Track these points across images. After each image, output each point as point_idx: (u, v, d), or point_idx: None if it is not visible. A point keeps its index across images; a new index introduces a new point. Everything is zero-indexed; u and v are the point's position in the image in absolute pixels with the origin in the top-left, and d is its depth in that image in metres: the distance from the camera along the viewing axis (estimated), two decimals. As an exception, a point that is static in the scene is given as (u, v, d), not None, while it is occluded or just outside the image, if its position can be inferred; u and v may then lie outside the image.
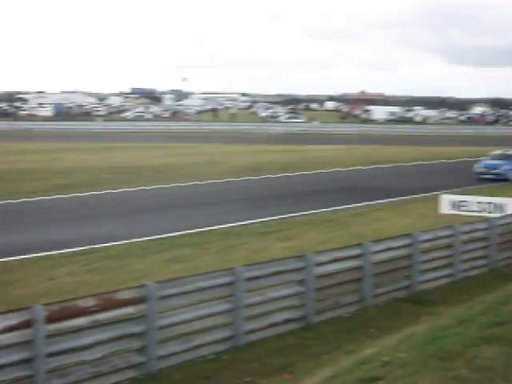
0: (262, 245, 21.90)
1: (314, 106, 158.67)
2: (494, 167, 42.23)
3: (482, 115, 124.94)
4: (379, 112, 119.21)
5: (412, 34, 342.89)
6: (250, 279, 13.66)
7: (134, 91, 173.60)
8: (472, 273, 19.20)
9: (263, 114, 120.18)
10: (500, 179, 40.95)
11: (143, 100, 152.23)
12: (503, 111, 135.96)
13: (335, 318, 15.20)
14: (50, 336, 10.69)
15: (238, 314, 13.37)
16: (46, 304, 10.91)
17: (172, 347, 12.48)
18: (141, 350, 11.99)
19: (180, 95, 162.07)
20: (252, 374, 11.97)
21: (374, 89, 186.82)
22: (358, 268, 15.97)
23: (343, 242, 19.12)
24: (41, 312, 10.55)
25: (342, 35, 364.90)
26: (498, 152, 44.52)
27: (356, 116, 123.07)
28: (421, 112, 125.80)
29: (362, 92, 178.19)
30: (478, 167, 42.97)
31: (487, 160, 43.81)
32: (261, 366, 12.45)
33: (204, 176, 40.04)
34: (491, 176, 41.49)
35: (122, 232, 23.69)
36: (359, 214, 28.24)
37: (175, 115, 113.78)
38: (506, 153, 44.20)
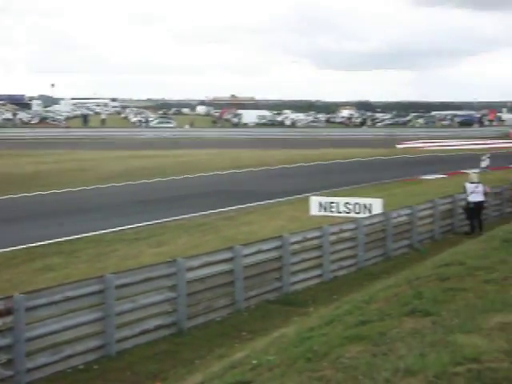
0: (133, 251, 21.73)
1: (186, 110, 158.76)
2: None
3: (350, 118, 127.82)
4: (249, 116, 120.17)
5: (281, 39, 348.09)
6: (120, 286, 13.54)
7: (1, 97, 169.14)
8: (341, 273, 19.61)
9: (134, 119, 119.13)
10: None
11: (10, 106, 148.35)
12: (369, 114, 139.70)
13: (207, 322, 15.24)
14: None
15: (109, 322, 13.22)
16: None
17: (41, 359, 12.23)
18: (8, 364, 11.69)
19: (49, 101, 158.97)
20: (123, 383, 11.86)
21: (244, 93, 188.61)
22: (229, 271, 16.06)
23: (215, 246, 19.20)
24: None
25: (213, 40, 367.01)
26: None
27: (227, 120, 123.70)
28: (290, 115, 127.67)
29: (233, 96, 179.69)
30: None
31: None
32: (132, 374, 12.35)
33: (72, 183, 39.33)
34: None
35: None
36: (231, 217, 28.38)
37: (43, 121, 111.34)
38: None
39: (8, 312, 11.64)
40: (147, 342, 13.91)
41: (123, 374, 12.30)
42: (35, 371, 12.06)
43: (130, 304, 13.89)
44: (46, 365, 12.27)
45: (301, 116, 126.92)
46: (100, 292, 13.22)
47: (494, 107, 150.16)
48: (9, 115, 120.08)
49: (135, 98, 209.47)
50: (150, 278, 14.25)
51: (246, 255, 16.40)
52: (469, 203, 24.95)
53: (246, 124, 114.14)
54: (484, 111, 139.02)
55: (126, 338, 13.65)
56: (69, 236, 24.02)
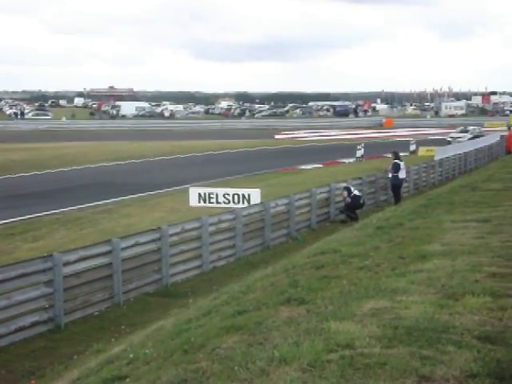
0: (7, 247, 21.21)
1: (63, 102, 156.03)
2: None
3: (229, 109, 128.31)
4: (128, 107, 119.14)
5: (159, 30, 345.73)
6: (-7, 283, 13.17)
7: None
8: (220, 263, 19.67)
9: (9, 112, 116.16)
10: None
11: None
12: (247, 105, 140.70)
13: (86, 317, 15.03)
14: None
15: (-20, 320, 12.85)
16: None
17: None
18: None
19: None
20: (-1, 382, 11.58)
21: (122, 85, 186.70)
22: (107, 265, 15.87)
23: (93, 240, 18.94)
24: None
25: (90, 31, 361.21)
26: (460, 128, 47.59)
27: (105, 112, 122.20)
28: (169, 107, 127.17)
29: (111, 88, 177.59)
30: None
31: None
32: (8, 372, 12.06)
33: None
34: None
35: None
36: (109, 210, 28.07)
37: None
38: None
39: None
40: (23, 339, 13.58)
41: (-2, 373, 12.01)
42: None
43: (4, 301, 13.52)
44: None
45: (180, 107, 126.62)
46: (-28, 289, 12.85)
47: (369, 98, 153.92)
48: None
49: (10, 89, 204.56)
50: (26, 273, 13.92)
51: (124, 248, 16.22)
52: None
53: (124, 116, 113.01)
54: (359, 102, 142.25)
55: (1, 336, 13.30)
56: None
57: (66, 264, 14.70)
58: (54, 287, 14.32)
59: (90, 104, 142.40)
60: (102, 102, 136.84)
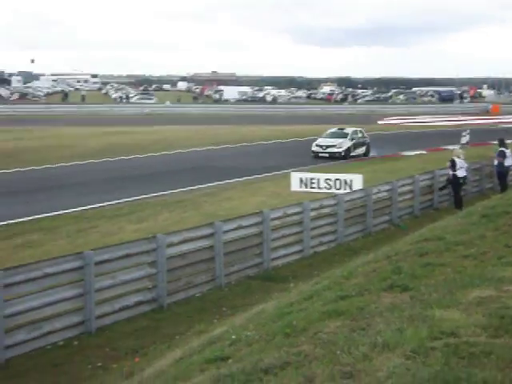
0: (113, 228, 21.65)
1: (167, 86, 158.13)
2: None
3: (331, 94, 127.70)
4: (231, 92, 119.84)
5: (260, 16, 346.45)
6: (100, 263, 13.49)
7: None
8: (321, 248, 19.65)
9: (115, 95, 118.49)
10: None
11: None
12: (350, 90, 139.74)
13: (188, 298, 15.26)
14: None
15: (88, 298, 13.19)
16: None
17: (20, 336, 12.20)
18: (-13, 341, 11.65)
19: (29, 77, 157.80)
20: (103, 359, 11.87)
21: (225, 69, 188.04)
22: (210, 247, 16.06)
23: (195, 222, 19.20)
24: None
25: (195, 16, 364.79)
26: (333, 130, 44.98)
27: (208, 96, 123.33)
28: (271, 91, 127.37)
29: (214, 72, 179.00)
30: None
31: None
32: (112, 350, 12.35)
33: (51, 160, 39.02)
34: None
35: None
36: (212, 193, 28.32)
37: (23, 97, 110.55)
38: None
39: (-14, 289, 11.58)
40: (127, 318, 13.91)
41: (103, 350, 12.30)
42: (14, 348, 12.04)
43: (109, 280, 13.86)
44: (24, 341, 12.23)
45: (282, 92, 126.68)
46: (79, 268, 13.18)
47: (475, 84, 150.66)
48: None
49: (116, 73, 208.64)
50: (130, 254, 14.22)
51: (227, 231, 16.39)
52: (459, 178, 25.31)
53: (227, 100, 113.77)
54: (465, 87, 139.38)
55: (105, 315, 13.64)
56: (48, 212, 23.90)
57: (170, 245, 14.96)
58: (158, 268, 14.59)
59: (193, 88, 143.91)
60: (205, 86, 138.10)
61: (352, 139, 43.34)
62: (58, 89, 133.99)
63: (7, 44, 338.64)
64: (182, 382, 6.77)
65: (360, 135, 44.64)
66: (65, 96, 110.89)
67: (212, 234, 16.05)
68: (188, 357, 8.22)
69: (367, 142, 44.79)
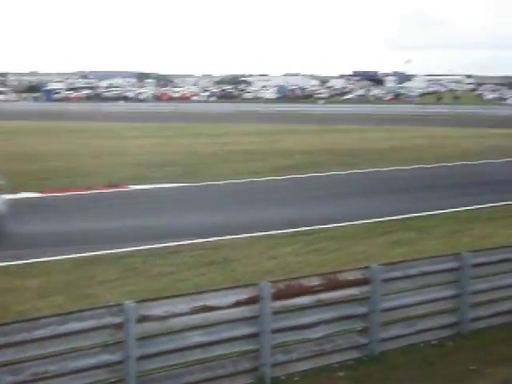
0: (487, 231, 21.23)
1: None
2: None
3: None
4: None
5: None
6: (476, 265, 13.29)
7: (356, 74, 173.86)
8: None
9: (489, 97, 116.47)
10: None
11: (365, 82, 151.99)
12: None
13: None
14: (275, 313, 10.93)
15: (463, 300, 13.06)
16: (273, 281, 11.13)
17: (394, 330, 12.41)
18: (363, 332, 12.01)
19: (402, 77, 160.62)
20: (477, 363, 11.69)
21: None
22: None
23: None
24: (268, 289, 10.79)
25: None
26: None
27: None
28: None
29: None
30: None
31: None
32: (486, 354, 12.11)
33: (428, 159, 39.24)
34: None
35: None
36: None
37: (397, 98, 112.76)
38: None
39: (365, 281, 11.93)
40: (501, 323, 13.56)
41: (477, 354, 12.12)
42: (388, 342, 12.26)
43: (485, 284, 13.61)
44: (398, 336, 12.43)
45: None
46: (455, 269, 13.09)
47: None
48: (362, 91, 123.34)
49: (491, 74, 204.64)
50: (508, 259, 13.86)
51: None
52: None
53: None
54: None
55: (480, 318, 13.41)
56: (421, 212, 24.07)
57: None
58: (538, 275, 14.03)
59: None
60: None
61: None
62: (432, 89, 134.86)
63: (380, 45, 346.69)
64: None
65: None
66: (438, 97, 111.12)
67: None
68: None
69: None
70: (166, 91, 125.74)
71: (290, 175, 33.29)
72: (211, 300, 10.43)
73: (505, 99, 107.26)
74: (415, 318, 12.63)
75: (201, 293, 10.64)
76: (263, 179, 32.00)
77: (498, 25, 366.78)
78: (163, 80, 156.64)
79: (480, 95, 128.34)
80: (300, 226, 21.32)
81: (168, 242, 19.16)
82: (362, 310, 11.96)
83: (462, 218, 23.35)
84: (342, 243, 19.70)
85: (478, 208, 25.02)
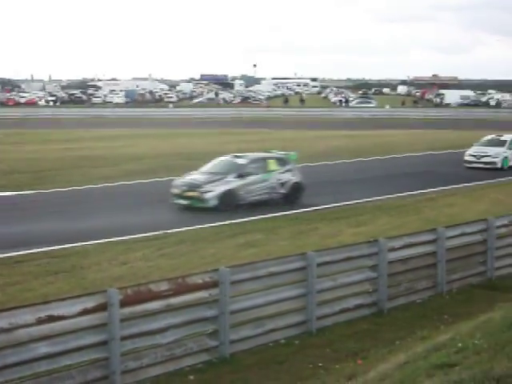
0: (333, 230, 21.82)
1: (387, 90, 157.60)
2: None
3: None
4: (452, 96, 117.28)
5: (486, 17, 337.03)
6: (321, 264, 13.62)
7: (204, 77, 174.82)
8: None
9: (334, 99, 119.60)
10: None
11: (213, 86, 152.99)
12: None
13: (408, 303, 15.12)
14: (124, 319, 10.84)
15: (310, 299, 13.35)
16: (121, 288, 11.04)
17: (244, 331, 12.56)
18: (213, 334, 12.08)
19: (251, 81, 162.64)
20: (324, 360, 11.98)
21: (446, 72, 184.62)
22: (432, 253, 15.81)
23: (416, 228, 18.98)
24: (116, 295, 10.69)
25: (413, 18, 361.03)
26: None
27: (428, 100, 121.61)
28: (495, 95, 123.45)
29: (434, 76, 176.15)
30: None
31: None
32: (333, 351, 12.44)
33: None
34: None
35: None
36: (431, 199, 27.87)
37: (246, 101, 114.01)
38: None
39: (214, 284, 12.00)
40: (347, 320, 13.96)
41: (323, 351, 12.43)
42: (238, 343, 12.40)
43: (330, 282, 13.98)
44: (248, 337, 12.59)
45: (507, 96, 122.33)
46: (302, 269, 13.37)
47: None
48: (211, 95, 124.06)
49: (335, 77, 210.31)
50: (351, 257, 14.28)
51: (450, 237, 16.07)
52: None
53: (448, 104, 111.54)
54: None
55: (326, 316, 13.75)
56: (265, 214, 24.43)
57: (391, 250, 14.87)
58: (379, 272, 14.55)
59: (413, 92, 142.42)
60: (426, 90, 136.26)
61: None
62: (279, 92, 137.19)
63: (229, 49, 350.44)
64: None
65: None
66: (285, 99, 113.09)
67: (434, 240, 15.79)
68: (413, 362, 8.16)
69: None
70: (12, 96, 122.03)
71: (141, 180, 33.00)
72: (58, 309, 10.24)
73: (349, 101, 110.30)
74: (264, 318, 12.82)
75: (46, 303, 10.43)
76: (115, 184, 31.62)
77: (345, 30, 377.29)
78: (8, 85, 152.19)
79: (326, 97, 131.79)
80: (151, 231, 21.22)
81: (12, 252, 18.68)
82: (211, 312, 12.03)
83: (307, 218, 23.84)
84: (192, 246, 19.77)
85: (318, 209, 25.61)
